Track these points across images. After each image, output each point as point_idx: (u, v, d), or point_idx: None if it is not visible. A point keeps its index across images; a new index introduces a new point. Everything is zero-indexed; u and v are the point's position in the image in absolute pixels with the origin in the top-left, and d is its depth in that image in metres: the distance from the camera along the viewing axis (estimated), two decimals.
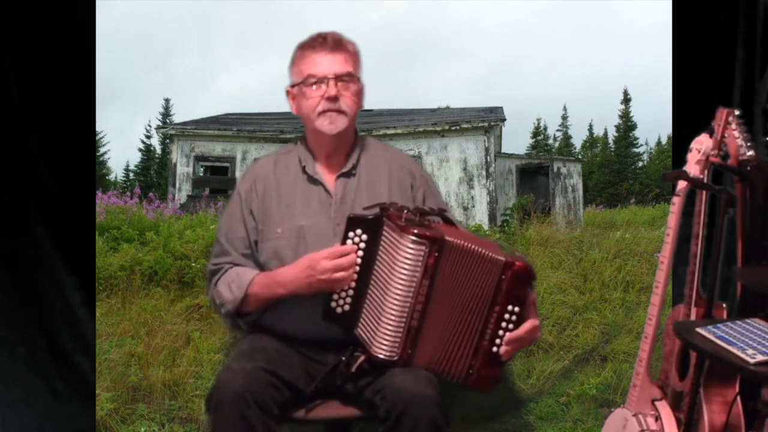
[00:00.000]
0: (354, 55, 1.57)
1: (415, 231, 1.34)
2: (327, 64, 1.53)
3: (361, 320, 1.41)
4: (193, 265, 4.37)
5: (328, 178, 1.59)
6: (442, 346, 1.39)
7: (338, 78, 1.52)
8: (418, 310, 1.36)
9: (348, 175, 1.59)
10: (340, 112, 1.53)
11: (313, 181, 1.58)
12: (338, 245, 1.42)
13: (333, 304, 1.44)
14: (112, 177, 38.05)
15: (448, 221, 1.53)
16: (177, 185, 14.49)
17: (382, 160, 1.63)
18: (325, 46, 1.54)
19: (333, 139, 1.56)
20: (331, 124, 1.53)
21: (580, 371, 3.14)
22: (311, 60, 1.54)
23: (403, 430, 1.28)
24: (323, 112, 1.52)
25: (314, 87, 1.53)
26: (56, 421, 1.97)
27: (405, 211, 1.41)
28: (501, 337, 1.40)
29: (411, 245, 1.34)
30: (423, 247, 1.34)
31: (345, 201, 1.55)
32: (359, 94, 1.58)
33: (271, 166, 1.62)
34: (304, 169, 1.59)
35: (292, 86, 1.59)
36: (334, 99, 1.51)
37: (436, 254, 1.35)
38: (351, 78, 1.54)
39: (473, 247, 1.38)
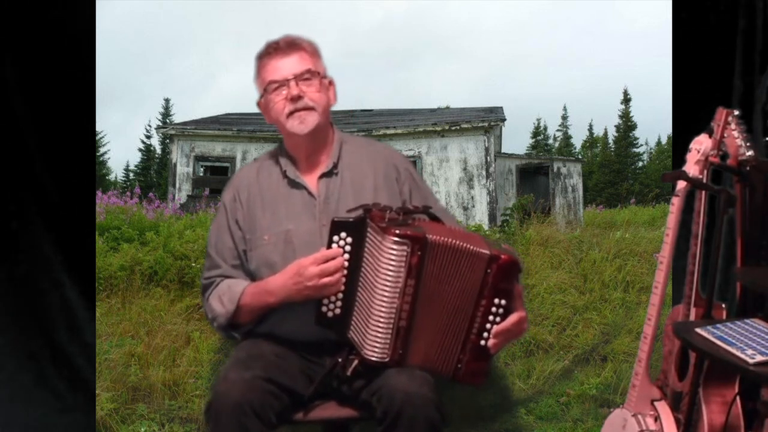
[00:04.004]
0: (311, 53, 1.58)
1: (397, 231, 1.34)
2: (285, 66, 1.54)
3: (353, 323, 1.41)
4: (193, 265, 4.36)
5: (309, 180, 1.59)
6: (434, 344, 1.39)
7: (298, 77, 1.53)
8: (406, 310, 1.35)
9: (329, 174, 1.59)
10: (307, 109, 1.53)
11: (295, 184, 1.58)
12: (324, 249, 1.42)
13: (324, 308, 1.43)
14: (112, 177, 38.10)
15: (434, 218, 1.52)
16: (177, 185, 14.49)
17: (365, 156, 1.63)
18: (279, 51, 1.56)
19: (307, 139, 1.56)
20: (301, 124, 1.53)
21: (580, 371, 3.14)
22: (270, 67, 1.56)
23: (400, 430, 1.28)
24: (291, 113, 1.53)
25: (277, 91, 1.54)
26: (56, 421, 1.97)
27: (388, 211, 1.41)
28: (488, 331, 1.40)
29: (393, 246, 1.33)
30: (405, 247, 1.34)
31: (329, 201, 1.55)
32: (325, 89, 1.58)
33: (254, 174, 1.62)
34: (285, 173, 1.59)
35: (260, 98, 1.61)
36: (298, 98, 1.52)
37: (419, 253, 1.34)
38: (311, 74, 1.55)
39: (457, 242, 1.38)
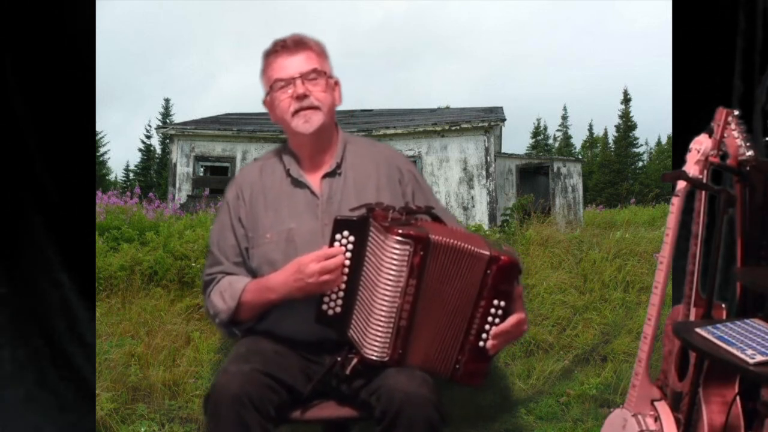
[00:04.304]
0: (318, 53, 1.58)
1: (400, 231, 1.34)
2: (291, 65, 1.54)
3: (353, 322, 1.41)
4: (193, 265, 4.36)
5: (313, 179, 1.59)
6: (433, 344, 1.39)
7: (304, 76, 1.53)
8: (407, 309, 1.35)
9: (333, 174, 1.59)
10: (313, 108, 1.53)
11: (298, 183, 1.58)
12: (326, 247, 1.42)
13: (324, 306, 1.43)
14: (112, 177, 38.13)
15: (437, 218, 1.52)
16: (177, 185, 14.50)
17: (368, 157, 1.63)
18: (286, 49, 1.56)
19: (312, 138, 1.56)
20: (306, 123, 1.54)
21: (580, 371, 3.14)
22: (276, 65, 1.56)
23: (399, 430, 1.28)
24: (296, 112, 1.53)
25: (283, 90, 1.54)
26: (56, 421, 1.97)
27: (391, 211, 1.41)
28: (487, 332, 1.40)
29: (396, 245, 1.34)
30: (408, 247, 1.34)
31: (332, 201, 1.56)
32: (331, 89, 1.58)
33: (257, 172, 1.63)
34: (288, 172, 1.59)
35: (266, 96, 1.61)
36: (303, 97, 1.53)
37: (422, 253, 1.35)
38: (317, 74, 1.55)
39: (458, 243, 1.38)
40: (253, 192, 1.59)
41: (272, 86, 1.56)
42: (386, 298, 1.35)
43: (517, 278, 1.42)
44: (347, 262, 1.41)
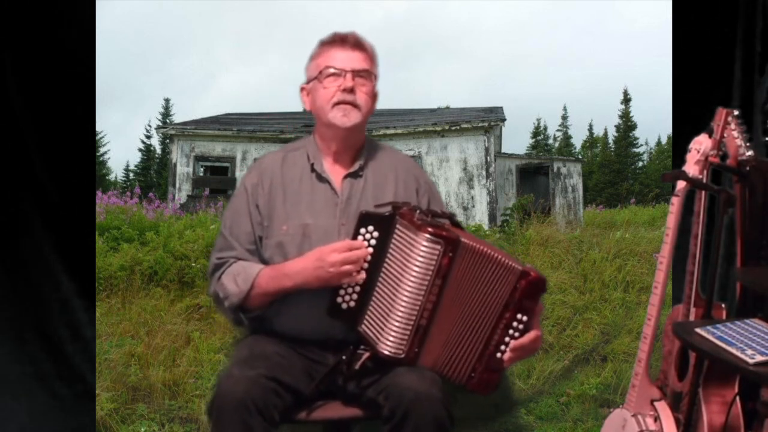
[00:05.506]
0: (372, 58, 1.59)
1: (431, 230, 1.34)
2: (346, 58, 1.55)
3: (367, 317, 1.41)
4: (193, 265, 4.37)
5: (335, 177, 1.58)
6: (449, 348, 1.40)
7: (356, 73, 1.54)
8: (428, 309, 1.36)
9: (355, 175, 1.59)
10: (354, 105, 1.54)
11: (321, 179, 1.58)
12: (348, 240, 1.42)
13: (339, 299, 1.43)
14: (112, 177, 38.12)
15: (457, 226, 1.53)
16: (177, 185, 14.50)
17: (388, 164, 1.64)
18: (345, 44, 1.57)
19: (344, 134, 1.56)
20: (344, 117, 1.53)
21: (580, 371, 3.15)
22: (330, 54, 1.56)
23: (408, 429, 1.28)
24: (338, 103, 1.53)
25: (331, 79, 1.54)
26: (56, 421, 1.97)
27: (417, 212, 1.41)
28: (506, 344, 1.41)
29: (426, 243, 1.34)
30: (438, 246, 1.34)
31: (351, 202, 1.55)
32: (373, 95, 1.59)
33: (279, 163, 1.62)
34: (312, 166, 1.59)
35: (308, 82, 1.60)
36: (350, 91, 1.53)
37: (451, 254, 1.35)
38: (368, 75, 1.56)
39: (489, 252, 1.38)
40: (273, 182, 1.58)
41: (321, 72, 1.55)
42: (410, 294, 1.35)
43: (541, 295, 1.43)
44: (368, 257, 1.41)
